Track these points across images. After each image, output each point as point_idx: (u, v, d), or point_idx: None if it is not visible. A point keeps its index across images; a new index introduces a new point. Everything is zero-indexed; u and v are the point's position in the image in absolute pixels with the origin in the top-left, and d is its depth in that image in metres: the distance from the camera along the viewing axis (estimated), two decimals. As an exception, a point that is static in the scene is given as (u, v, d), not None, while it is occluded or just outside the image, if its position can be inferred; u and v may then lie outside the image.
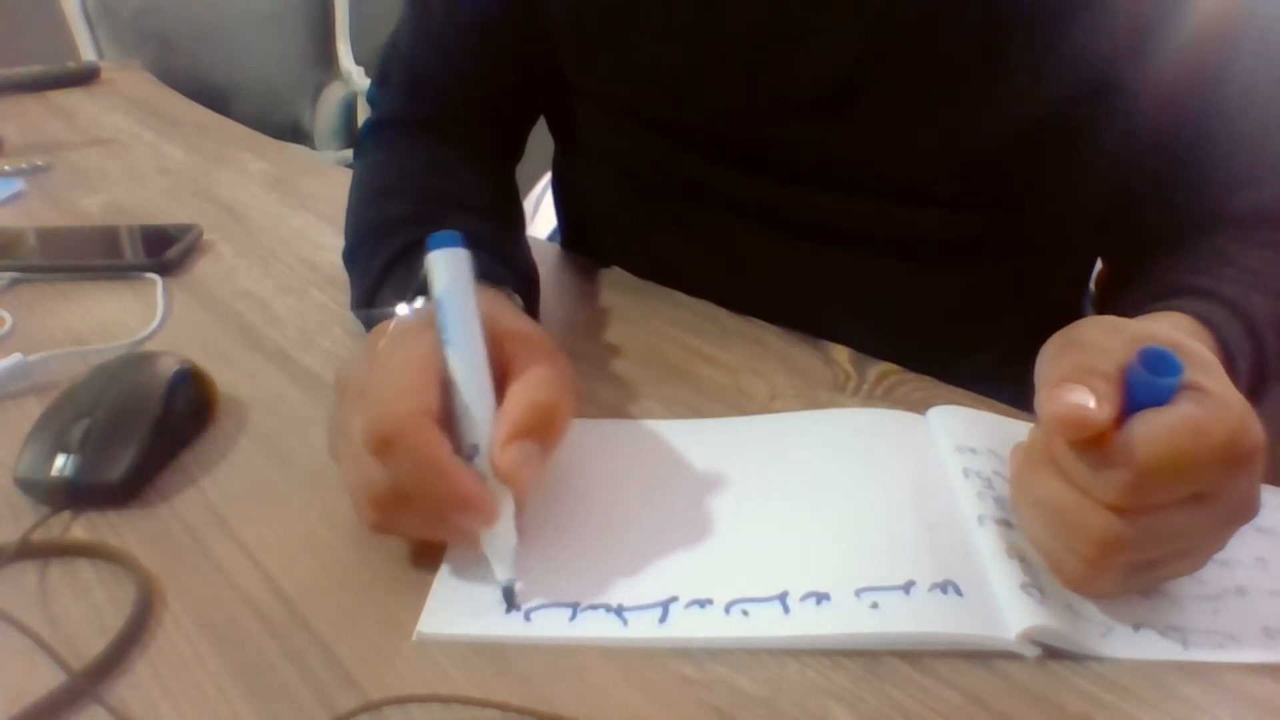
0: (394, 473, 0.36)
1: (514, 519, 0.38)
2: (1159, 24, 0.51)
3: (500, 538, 0.38)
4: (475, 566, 0.40)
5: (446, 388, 0.39)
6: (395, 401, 0.37)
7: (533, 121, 0.72)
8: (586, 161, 0.72)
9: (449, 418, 0.38)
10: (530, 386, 0.39)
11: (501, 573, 0.38)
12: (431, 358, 0.39)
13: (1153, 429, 0.33)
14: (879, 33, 0.54)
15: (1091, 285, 0.72)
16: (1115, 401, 0.34)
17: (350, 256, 0.60)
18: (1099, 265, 0.71)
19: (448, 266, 0.40)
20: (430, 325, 0.40)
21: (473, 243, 0.42)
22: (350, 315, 0.60)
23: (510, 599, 0.38)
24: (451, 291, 0.39)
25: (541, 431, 0.38)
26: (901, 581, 0.38)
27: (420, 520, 0.38)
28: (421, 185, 0.62)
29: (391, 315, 0.45)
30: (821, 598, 0.38)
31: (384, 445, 0.36)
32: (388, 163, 0.66)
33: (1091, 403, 0.34)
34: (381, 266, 0.54)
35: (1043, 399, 0.35)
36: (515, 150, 0.72)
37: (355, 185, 0.65)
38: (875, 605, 0.37)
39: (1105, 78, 0.53)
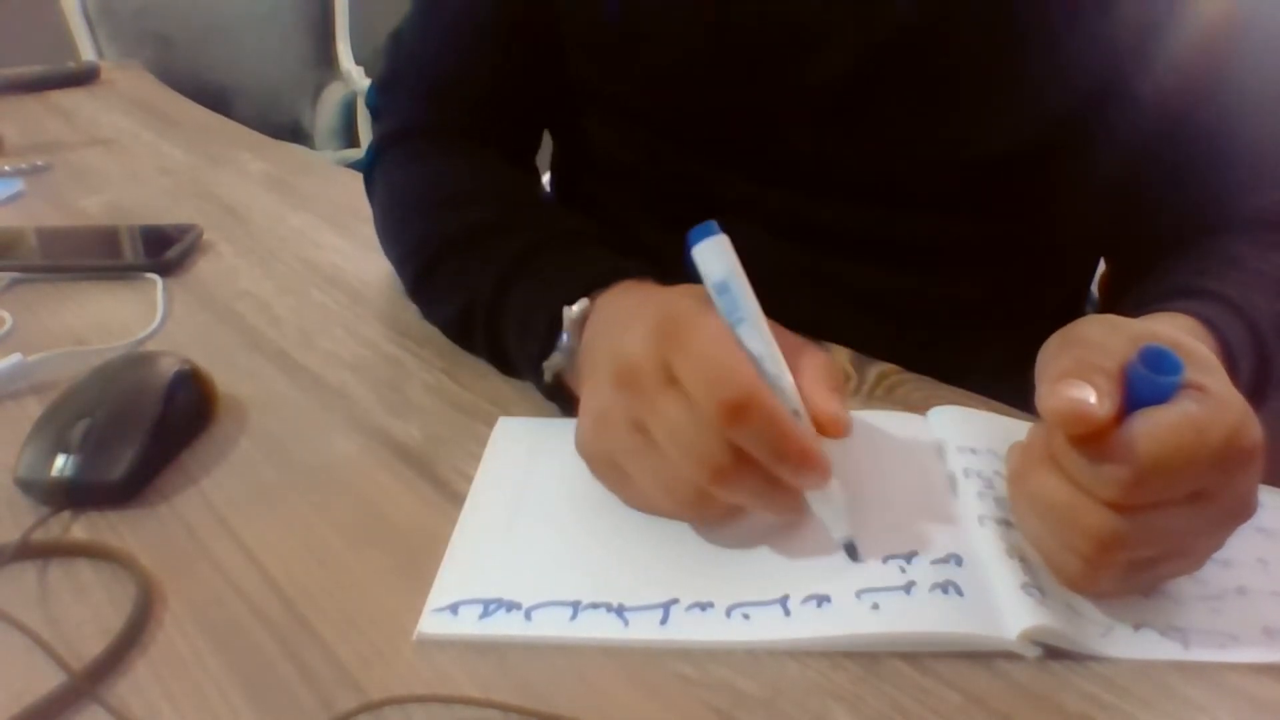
0: (742, 439, 0.36)
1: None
2: (1164, 30, 0.51)
3: (834, 495, 0.39)
4: (475, 566, 0.40)
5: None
6: (732, 371, 0.37)
7: (546, 122, 0.72)
8: (588, 163, 0.72)
9: None
10: (815, 352, 0.41)
11: (839, 530, 0.40)
12: (730, 336, 0.39)
13: (1153, 426, 0.33)
14: (885, 39, 0.54)
15: (1094, 289, 0.72)
16: (1115, 398, 0.34)
17: (429, 269, 0.58)
18: (1101, 268, 0.71)
19: (720, 253, 0.40)
20: (706, 305, 0.40)
21: (586, 240, 0.47)
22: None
23: (854, 554, 0.39)
24: (732, 274, 0.40)
25: (839, 388, 0.40)
26: (902, 583, 0.38)
27: (752, 489, 0.38)
28: (498, 188, 0.61)
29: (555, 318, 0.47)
30: (822, 600, 0.38)
31: (737, 412, 0.36)
32: (442, 169, 0.64)
33: (1092, 398, 0.34)
34: (502, 271, 0.52)
35: (1043, 394, 0.35)
36: (535, 149, 0.71)
37: (400, 199, 0.63)
38: (876, 606, 0.37)
39: (1110, 84, 0.53)
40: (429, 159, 0.65)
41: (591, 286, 0.48)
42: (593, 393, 0.42)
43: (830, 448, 0.47)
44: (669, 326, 0.39)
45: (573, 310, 0.47)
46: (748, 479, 0.37)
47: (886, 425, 0.49)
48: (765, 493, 0.38)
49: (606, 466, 0.42)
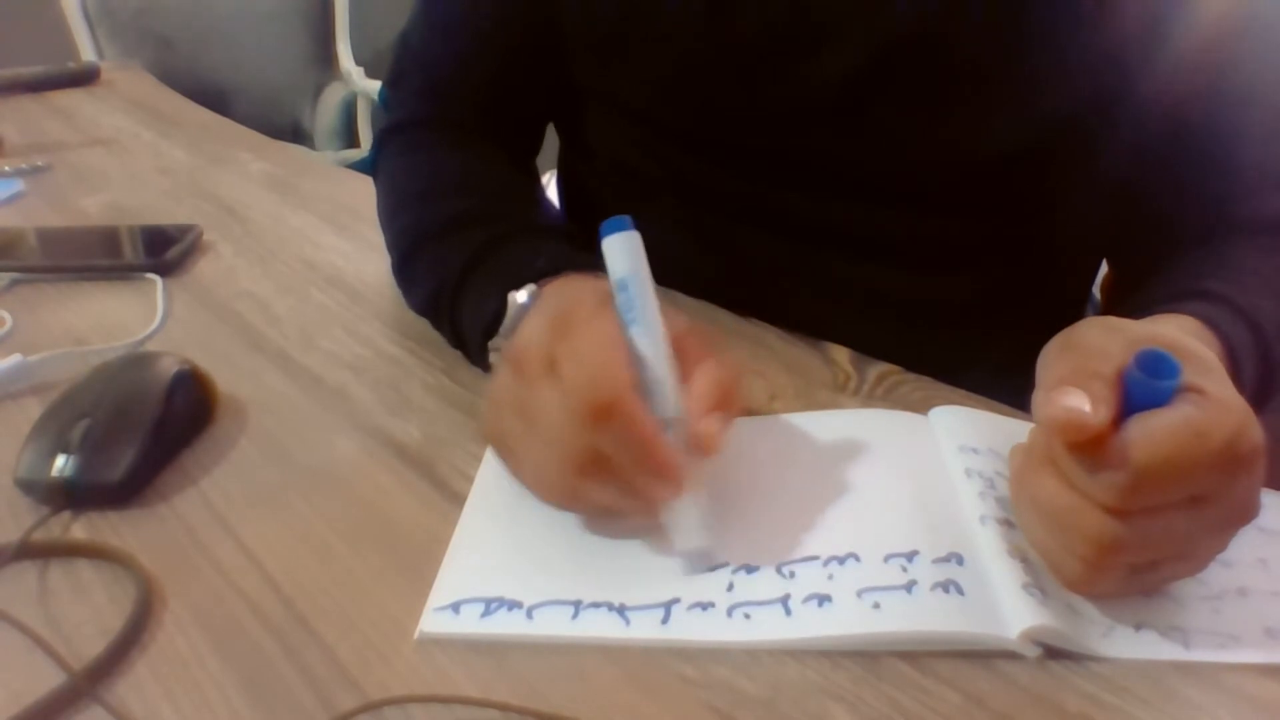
0: (603, 441, 0.37)
1: (702, 491, 0.40)
2: (1168, 33, 0.51)
3: (684, 509, 0.39)
4: (476, 566, 0.40)
5: (632, 365, 0.40)
6: (606, 373, 0.38)
7: (548, 120, 0.72)
8: (592, 161, 0.72)
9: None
10: (712, 365, 0.42)
11: (682, 542, 0.40)
12: (619, 336, 0.40)
13: (1149, 431, 0.33)
14: (889, 41, 0.54)
15: (1096, 291, 0.72)
16: (1112, 404, 0.34)
17: (409, 256, 0.60)
18: (1104, 270, 0.71)
19: (626, 250, 0.41)
20: (605, 302, 0.41)
21: (558, 234, 0.46)
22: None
23: (698, 567, 0.39)
24: (634, 274, 0.41)
25: (727, 405, 0.41)
26: (903, 581, 0.38)
27: (611, 491, 0.39)
28: (480, 181, 0.62)
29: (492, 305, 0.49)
30: (823, 599, 0.38)
31: (601, 414, 0.37)
32: (433, 161, 0.65)
33: (1087, 406, 0.34)
34: (466, 260, 0.54)
35: (1039, 401, 0.35)
36: (537, 146, 0.72)
37: (393, 187, 0.65)
38: (877, 606, 0.37)
39: (1115, 86, 0.53)
40: (425, 150, 0.66)
41: (540, 276, 0.49)
42: (497, 375, 0.43)
43: (831, 448, 0.47)
44: (562, 319, 0.40)
45: (518, 297, 0.48)
46: (608, 478, 0.38)
47: (886, 425, 0.49)
48: (626, 493, 0.39)
49: (499, 446, 0.43)
